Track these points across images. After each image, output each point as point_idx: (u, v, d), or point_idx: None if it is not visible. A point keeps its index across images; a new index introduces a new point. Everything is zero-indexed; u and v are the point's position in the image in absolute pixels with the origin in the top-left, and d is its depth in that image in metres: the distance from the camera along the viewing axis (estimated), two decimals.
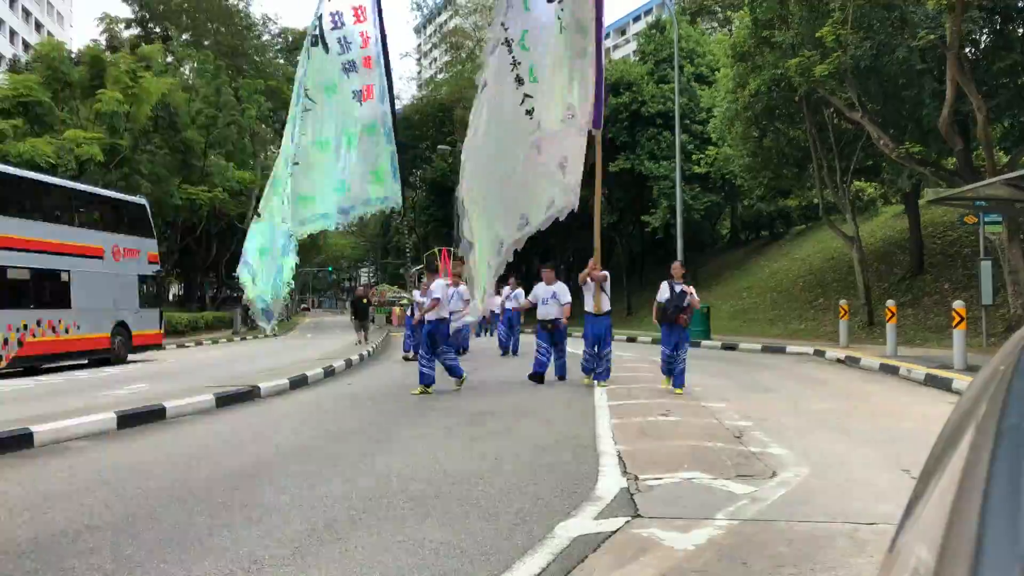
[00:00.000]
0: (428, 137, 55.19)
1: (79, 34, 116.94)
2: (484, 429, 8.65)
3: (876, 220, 31.25)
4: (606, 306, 12.37)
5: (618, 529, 4.72)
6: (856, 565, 4.01)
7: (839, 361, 16.00)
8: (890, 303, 15.89)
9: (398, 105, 71.31)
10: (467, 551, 4.36)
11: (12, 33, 67.02)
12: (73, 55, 35.30)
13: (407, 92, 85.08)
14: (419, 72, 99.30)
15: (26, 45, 63.14)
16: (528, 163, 11.31)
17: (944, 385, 11.28)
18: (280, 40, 54.94)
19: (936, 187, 17.72)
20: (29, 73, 32.11)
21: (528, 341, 17.51)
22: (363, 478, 6.29)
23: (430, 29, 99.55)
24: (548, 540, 4.52)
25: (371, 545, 4.52)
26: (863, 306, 21.15)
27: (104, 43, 39.98)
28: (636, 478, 6.02)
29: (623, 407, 9.90)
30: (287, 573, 4.10)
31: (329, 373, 15.88)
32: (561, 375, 13.43)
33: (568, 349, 13.86)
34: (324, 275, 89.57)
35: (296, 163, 12.50)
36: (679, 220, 27.50)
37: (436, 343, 12.16)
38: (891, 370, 13.56)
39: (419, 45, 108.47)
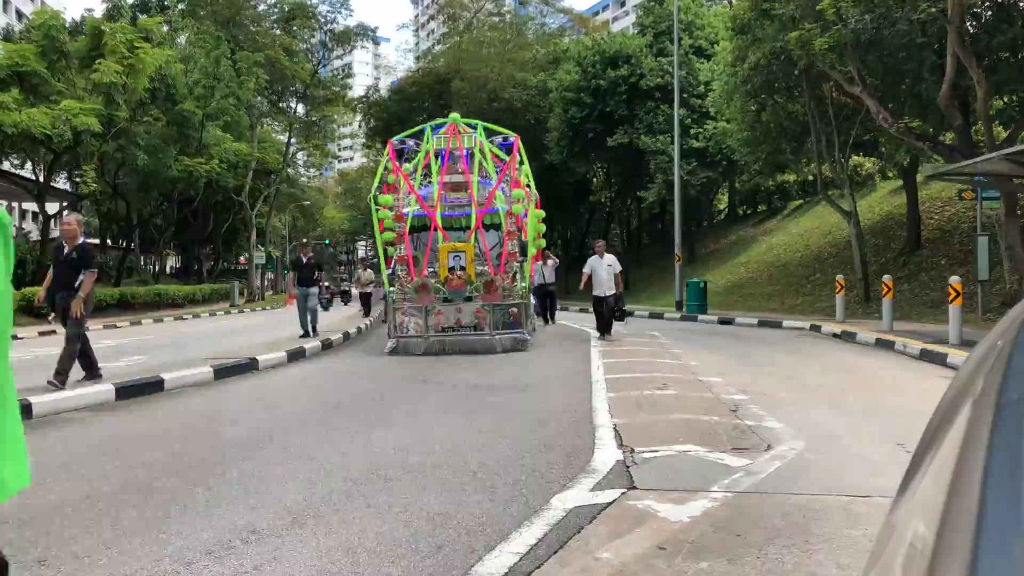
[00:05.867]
0: (425, 109, 54.86)
1: (73, 3, 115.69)
2: (481, 402, 8.68)
3: (874, 195, 31.21)
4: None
5: (614, 501, 4.75)
6: (851, 537, 4.05)
7: (835, 336, 16.05)
8: (887, 278, 15.90)
9: (395, 77, 70.73)
10: (464, 522, 4.40)
11: (5, 2, 66.33)
12: (68, 24, 34.96)
13: (404, 64, 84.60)
14: (416, 43, 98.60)
15: (19, 14, 62.47)
16: None
17: (939, 360, 11.32)
18: (276, 11, 54.41)
19: (934, 162, 17.69)
20: (24, 42, 31.78)
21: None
22: (360, 450, 6.32)
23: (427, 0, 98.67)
24: (545, 511, 4.55)
25: (368, 516, 4.55)
26: (860, 281, 21.18)
27: (103, 13, 39.55)
28: (632, 451, 6.05)
29: (620, 381, 9.94)
30: (284, 543, 4.13)
31: (327, 346, 15.92)
32: None
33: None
34: (320, 248, 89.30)
35: None
36: (677, 195, 27.44)
37: None
38: (887, 345, 13.60)
39: (416, 16, 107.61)
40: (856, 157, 27.59)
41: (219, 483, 5.34)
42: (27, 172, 35.86)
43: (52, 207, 36.81)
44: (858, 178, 30.10)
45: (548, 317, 22.11)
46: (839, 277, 18.69)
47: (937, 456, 0.81)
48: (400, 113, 56.69)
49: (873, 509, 4.47)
